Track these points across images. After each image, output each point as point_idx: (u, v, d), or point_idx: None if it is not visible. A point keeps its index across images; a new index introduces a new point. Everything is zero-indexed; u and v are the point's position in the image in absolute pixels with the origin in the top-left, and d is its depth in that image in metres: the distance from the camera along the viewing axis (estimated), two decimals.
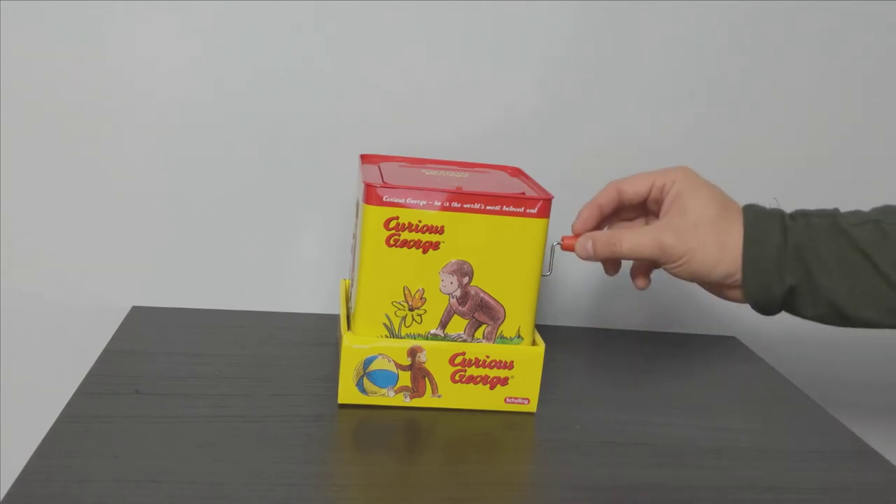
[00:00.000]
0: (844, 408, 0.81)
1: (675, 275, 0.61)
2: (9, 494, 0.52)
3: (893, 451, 0.73)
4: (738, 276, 0.58)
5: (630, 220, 0.67)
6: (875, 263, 0.55)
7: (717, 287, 0.61)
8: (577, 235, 0.65)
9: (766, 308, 0.60)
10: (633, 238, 0.61)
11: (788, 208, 0.63)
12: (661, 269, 0.65)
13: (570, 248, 0.65)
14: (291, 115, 0.81)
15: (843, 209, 0.61)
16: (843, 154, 0.91)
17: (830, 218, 0.58)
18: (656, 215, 0.64)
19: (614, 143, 0.86)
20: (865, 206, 0.61)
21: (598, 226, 0.66)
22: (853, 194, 0.85)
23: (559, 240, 0.65)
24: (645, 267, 0.66)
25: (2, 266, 0.81)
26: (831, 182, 0.91)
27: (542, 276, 0.66)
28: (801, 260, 0.57)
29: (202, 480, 0.55)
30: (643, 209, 0.66)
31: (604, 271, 0.68)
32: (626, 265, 0.69)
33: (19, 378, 0.83)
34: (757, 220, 0.59)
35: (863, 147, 0.91)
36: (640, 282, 0.67)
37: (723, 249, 0.58)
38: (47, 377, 0.81)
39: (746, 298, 0.60)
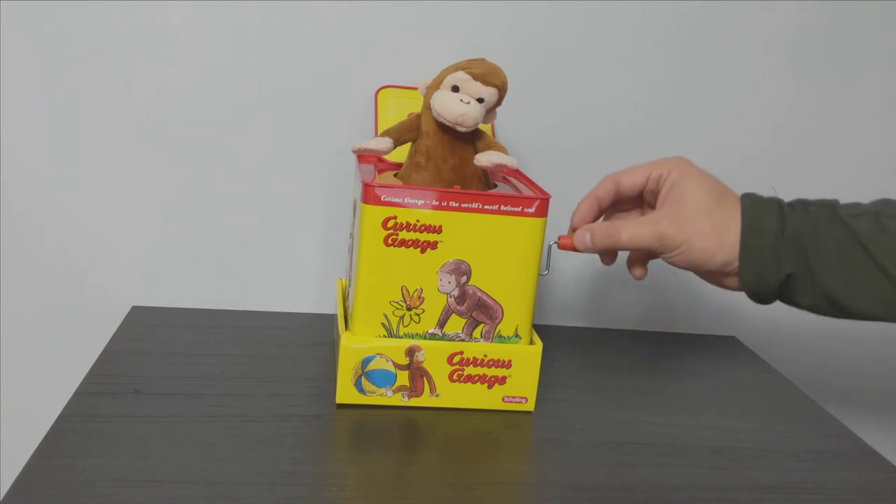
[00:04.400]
0: (844, 408, 0.81)
1: (673, 263, 0.61)
2: (9, 494, 0.52)
3: (893, 451, 0.73)
4: (736, 264, 0.58)
5: (626, 212, 0.67)
6: (873, 255, 0.55)
7: (713, 275, 0.60)
8: (572, 234, 0.65)
9: (761, 296, 0.59)
10: (632, 228, 0.61)
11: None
12: (657, 259, 0.65)
13: (567, 247, 0.65)
14: (290, 116, 0.81)
15: (840, 193, 0.60)
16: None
17: (829, 208, 0.58)
18: (652, 207, 0.64)
19: (613, 143, 0.86)
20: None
21: (596, 219, 0.66)
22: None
23: (555, 239, 0.65)
24: (642, 257, 0.66)
25: (2, 266, 0.81)
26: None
27: (540, 275, 0.66)
28: (799, 248, 0.56)
29: (202, 480, 0.55)
30: (639, 201, 0.66)
31: (600, 261, 0.68)
32: (622, 256, 0.69)
33: (19, 378, 0.84)
34: (755, 209, 0.59)
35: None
36: (637, 271, 0.67)
37: (720, 238, 0.58)
38: (47, 377, 0.81)
39: (742, 286, 0.59)
